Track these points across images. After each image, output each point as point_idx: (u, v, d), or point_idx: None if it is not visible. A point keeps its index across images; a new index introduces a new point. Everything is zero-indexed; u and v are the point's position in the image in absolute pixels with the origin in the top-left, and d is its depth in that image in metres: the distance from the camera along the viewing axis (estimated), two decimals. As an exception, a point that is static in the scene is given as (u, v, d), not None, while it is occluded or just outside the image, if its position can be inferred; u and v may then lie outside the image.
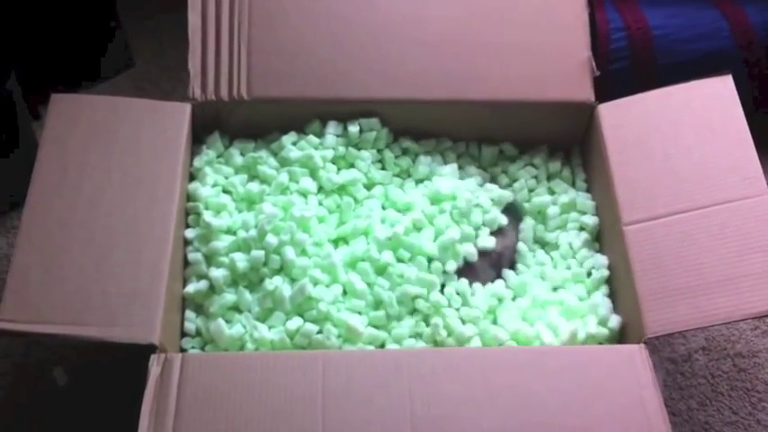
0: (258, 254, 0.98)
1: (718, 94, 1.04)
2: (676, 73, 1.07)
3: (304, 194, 1.06)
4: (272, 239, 0.98)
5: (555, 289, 1.05)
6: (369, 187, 1.10)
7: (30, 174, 0.95)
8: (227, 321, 0.98)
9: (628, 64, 1.28)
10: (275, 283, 0.97)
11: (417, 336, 0.98)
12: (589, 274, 1.05)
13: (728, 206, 0.96)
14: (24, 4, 1.29)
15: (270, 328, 0.96)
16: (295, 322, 0.96)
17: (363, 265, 1.00)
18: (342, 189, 1.08)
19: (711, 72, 1.05)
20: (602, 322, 0.99)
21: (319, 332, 0.95)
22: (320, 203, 1.07)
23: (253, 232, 1.00)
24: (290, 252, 0.98)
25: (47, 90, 1.03)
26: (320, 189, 1.08)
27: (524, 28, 1.11)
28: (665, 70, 1.28)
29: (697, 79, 1.05)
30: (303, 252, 1.00)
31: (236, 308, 0.99)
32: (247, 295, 0.98)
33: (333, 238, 1.04)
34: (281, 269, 0.99)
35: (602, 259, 1.04)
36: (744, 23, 1.29)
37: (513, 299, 1.03)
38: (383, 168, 1.12)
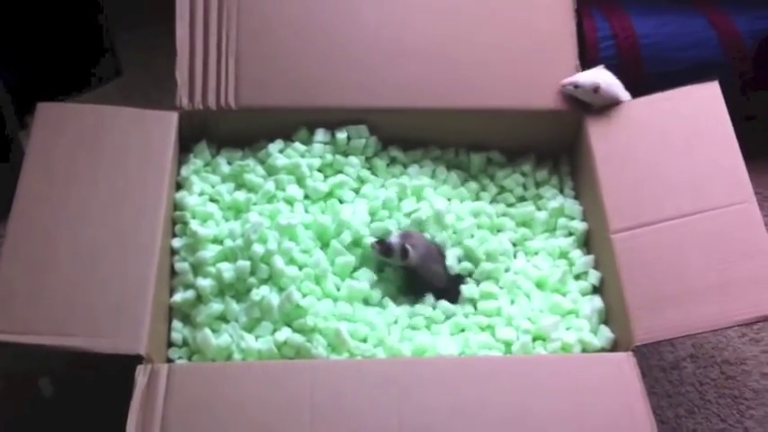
0: (244, 264, 0.98)
1: (704, 102, 1.04)
2: (664, 81, 1.08)
3: (290, 202, 1.06)
4: (258, 248, 0.98)
5: (541, 290, 1.04)
6: (357, 190, 1.10)
7: (16, 183, 0.95)
8: (214, 331, 0.97)
9: (615, 72, 1.28)
10: (262, 292, 0.97)
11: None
12: (577, 278, 1.05)
13: (715, 213, 0.96)
14: (13, 14, 1.29)
15: (257, 337, 0.96)
16: (283, 333, 0.95)
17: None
18: (329, 195, 1.08)
19: (699, 81, 1.06)
20: (592, 329, 0.99)
21: (307, 342, 0.95)
22: (306, 210, 1.07)
23: (239, 241, 0.99)
24: (278, 261, 0.98)
25: (35, 99, 1.02)
26: (307, 196, 1.08)
27: (512, 36, 1.12)
28: (652, 79, 1.28)
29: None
30: (291, 261, 1.00)
31: (223, 317, 0.99)
32: (234, 305, 0.98)
33: (319, 245, 1.04)
34: (269, 278, 0.99)
35: (591, 265, 1.04)
36: (731, 32, 1.30)
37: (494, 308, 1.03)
38: (373, 175, 1.12)
